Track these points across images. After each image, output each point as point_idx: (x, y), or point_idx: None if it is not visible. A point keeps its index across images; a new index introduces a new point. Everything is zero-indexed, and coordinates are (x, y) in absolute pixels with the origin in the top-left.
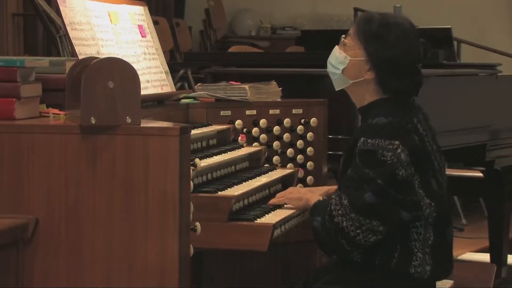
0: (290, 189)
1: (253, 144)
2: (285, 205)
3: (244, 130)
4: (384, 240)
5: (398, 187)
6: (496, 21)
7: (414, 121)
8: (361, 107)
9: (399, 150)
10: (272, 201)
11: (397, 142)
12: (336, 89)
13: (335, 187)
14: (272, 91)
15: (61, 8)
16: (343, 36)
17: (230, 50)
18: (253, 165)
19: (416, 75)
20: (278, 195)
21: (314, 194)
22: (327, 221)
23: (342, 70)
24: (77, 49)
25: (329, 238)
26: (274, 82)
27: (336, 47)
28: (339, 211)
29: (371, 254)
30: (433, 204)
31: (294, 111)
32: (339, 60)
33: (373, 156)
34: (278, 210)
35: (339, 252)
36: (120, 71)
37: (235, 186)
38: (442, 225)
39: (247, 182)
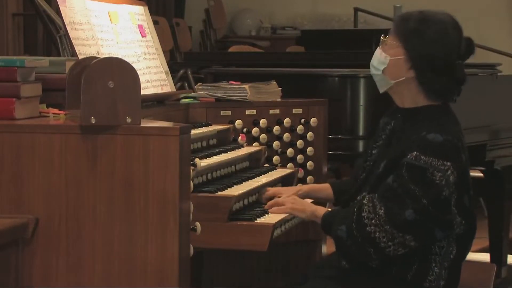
0: (290, 197)
1: (253, 144)
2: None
3: (244, 130)
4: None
5: (439, 207)
6: (496, 21)
7: (463, 139)
8: (406, 109)
9: (449, 172)
10: (272, 210)
11: (449, 164)
12: (381, 91)
13: (306, 186)
14: (272, 91)
15: (61, 8)
16: (383, 35)
17: (230, 50)
18: (253, 165)
19: (457, 72)
20: (278, 201)
21: (316, 206)
22: (354, 229)
23: (383, 70)
24: (77, 49)
25: (356, 247)
26: (274, 82)
27: (378, 48)
28: (373, 221)
29: (389, 263)
30: (464, 222)
31: (294, 111)
32: (380, 60)
33: (423, 174)
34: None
35: (365, 261)
36: (120, 71)
37: (235, 186)
38: (468, 240)
39: (247, 182)
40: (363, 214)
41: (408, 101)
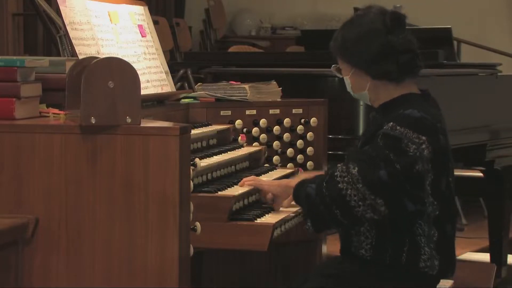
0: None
1: (253, 144)
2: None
3: (244, 130)
4: (392, 235)
5: (410, 179)
6: (496, 21)
7: (442, 121)
8: (382, 104)
9: (423, 146)
10: (247, 182)
11: (424, 138)
12: (371, 104)
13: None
14: (272, 91)
15: (61, 8)
16: (332, 66)
17: (230, 50)
18: (253, 165)
19: (396, 45)
20: (250, 178)
21: (293, 179)
22: (324, 187)
23: (352, 89)
24: (77, 49)
25: (323, 206)
26: (274, 82)
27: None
28: (345, 178)
29: (381, 251)
30: (435, 203)
31: (294, 111)
32: (347, 83)
33: (397, 143)
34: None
35: (330, 223)
36: (120, 71)
37: (235, 186)
38: (444, 222)
39: None
40: (335, 173)
41: (383, 98)
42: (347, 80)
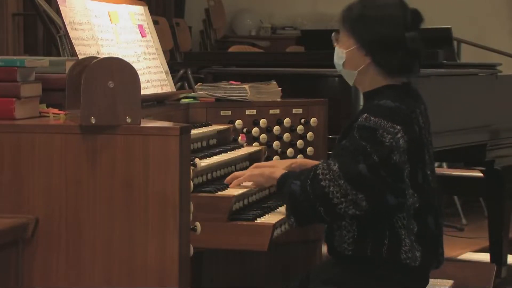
0: (254, 165)
1: (253, 144)
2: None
3: (244, 130)
4: (372, 229)
5: (389, 171)
6: (496, 21)
7: (417, 112)
8: (366, 91)
9: (399, 135)
10: (231, 182)
11: (399, 127)
12: (350, 84)
13: (300, 160)
14: (272, 91)
15: (61, 8)
16: (333, 33)
17: (230, 50)
18: None
19: (409, 43)
20: (236, 173)
21: (276, 168)
22: (308, 185)
23: (343, 64)
24: (77, 49)
25: (307, 203)
26: (274, 82)
27: (335, 45)
28: (327, 176)
29: (362, 245)
30: (416, 195)
31: (294, 111)
32: (338, 56)
33: (372, 134)
34: (279, 209)
35: (313, 220)
36: (120, 71)
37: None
38: (424, 215)
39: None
40: (318, 171)
41: (372, 85)
42: (342, 53)
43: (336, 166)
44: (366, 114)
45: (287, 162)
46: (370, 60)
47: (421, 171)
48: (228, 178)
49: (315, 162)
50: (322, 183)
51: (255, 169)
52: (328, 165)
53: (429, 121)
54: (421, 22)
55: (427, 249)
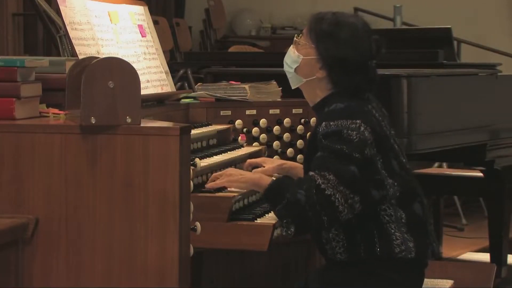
0: (229, 170)
1: (253, 144)
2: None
3: (244, 130)
4: (360, 232)
5: (368, 165)
6: (496, 21)
7: (369, 107)
8: (315, 104)
9: (362, 128)
10: (209, 184)
11: (358, 121)
12: (292, 87)
13: (290, 162)
14: (272, 91)
15: (61, 8)
16: (296, 35)
17: (230, 50)
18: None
19: (368, 72)
20: (214, 175)
21: (259, 174)
22: (314, 194)
23: (296, 69)
24: (77, 49)
25: (312, 213)
26: (274, 82)
27: (291, 46)
28: (329, 185)
29: (354, 249)
30: (396, 184)
31: (294, 111)
32: (293, 59)
33: (339, 136)
34: None
35: (311, 229)
36: (120, 71)
37: None
38: (408, 202)
39: None
40: (318, 182)
41: (317, 97)
42: (297, 58)
43: (331, 175)
44: (324, 123)
45: (278, 161)
46: (324, 75)
47: (395, 160)
48: (209, 181)
49: (300, 166)
50: (327, 192)
51: (233, 175)
52: (322, 176)
53: (385, 115)
54: (382, 50)
55: (419, 238)
